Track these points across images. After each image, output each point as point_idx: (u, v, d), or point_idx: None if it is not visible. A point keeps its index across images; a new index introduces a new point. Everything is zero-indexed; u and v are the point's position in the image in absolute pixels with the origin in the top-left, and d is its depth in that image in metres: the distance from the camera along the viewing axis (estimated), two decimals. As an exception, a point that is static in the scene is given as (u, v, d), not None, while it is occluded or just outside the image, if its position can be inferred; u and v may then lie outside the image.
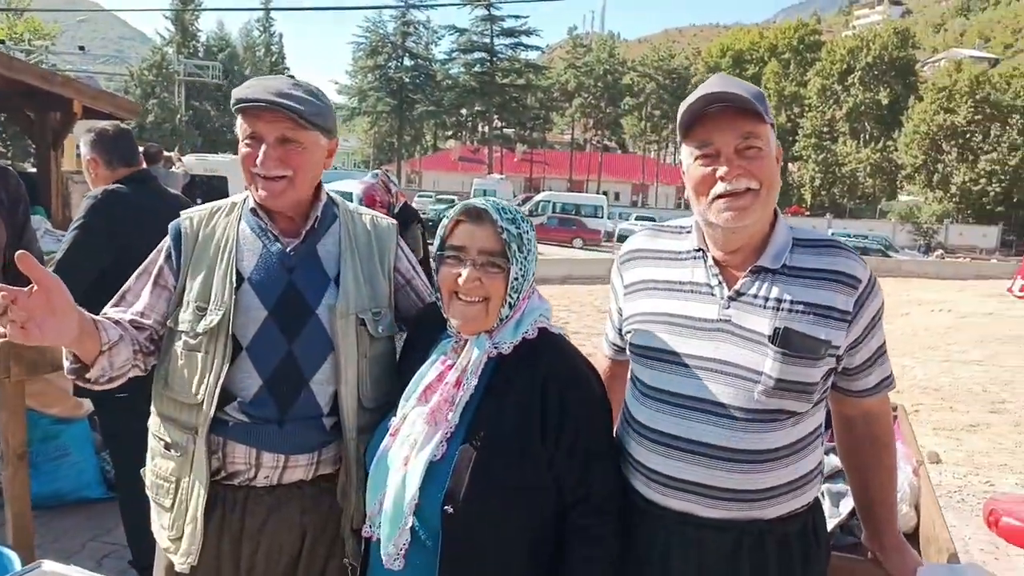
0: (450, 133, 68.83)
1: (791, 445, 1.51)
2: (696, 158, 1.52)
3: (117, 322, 1.62)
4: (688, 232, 1.64)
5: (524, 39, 62.11)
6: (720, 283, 1.55)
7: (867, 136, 59.65)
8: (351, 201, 2.10)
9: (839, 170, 59.38)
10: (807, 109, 62.92)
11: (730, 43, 75.86)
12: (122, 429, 2.87)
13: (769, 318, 1.48)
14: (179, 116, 50.25)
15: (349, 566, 1.69)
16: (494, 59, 61.22)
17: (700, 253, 1.59)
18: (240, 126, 1.65)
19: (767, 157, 1.49)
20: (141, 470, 1.77)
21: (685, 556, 1.53)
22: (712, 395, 1.49)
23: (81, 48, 52.49)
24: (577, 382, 1.56)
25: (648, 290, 1.64)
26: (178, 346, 1.65)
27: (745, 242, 1.54)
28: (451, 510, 1.42)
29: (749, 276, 1.53)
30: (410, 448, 1.49)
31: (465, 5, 58.27)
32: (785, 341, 1.46)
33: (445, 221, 1.56)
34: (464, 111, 64.76)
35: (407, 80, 60.86)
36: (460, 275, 1.50)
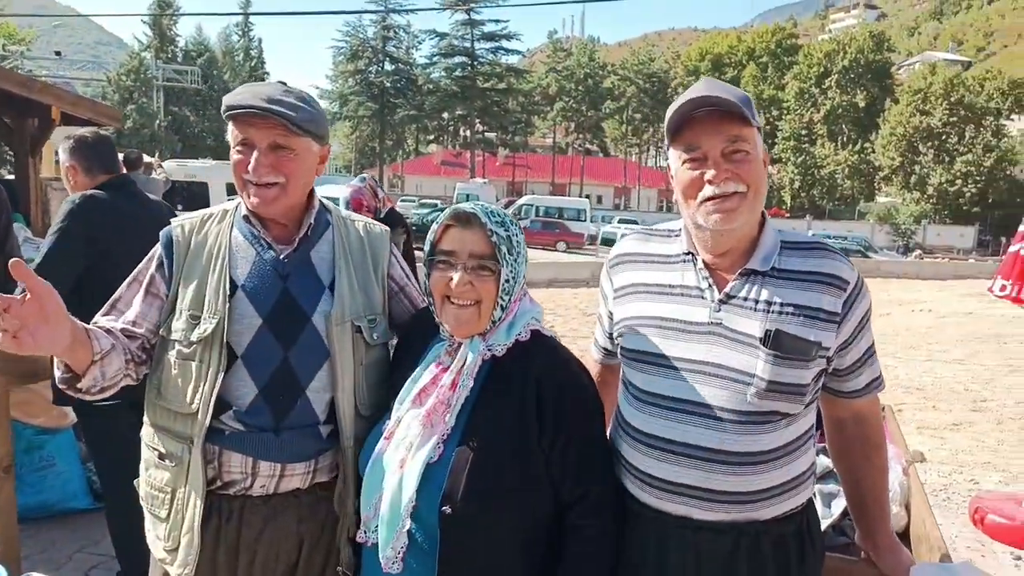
0: (432, 137, 68.59)
1: (784, 446, 1.52)
2: (684, 162, 1.53)
3: (109, 331, 1.60)
4: (677, 236, 1.65)
5: (505, 43, 62.34)
6: (710, 286, 1.55)
7: (845, 138, 60.37)
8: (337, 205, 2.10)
9: (818, 172, 60.05)
10: (785, 112, 63.64)
11: (709, 47, 76.75)
12: (107, 438, 2.84)
13: (760, 320, 1.49)
14: (158, 121, 49.78)
15: (343, 575, 1.68)
16: (475, 63, 61.21)
17: (690, 257, 1.60)
18: (231, 133, 1.64)
19: (754, 160, 1.50)
20: (135, 481, 1.75)
21: (683, 559, 1.53)
22: (705, 398, 1.50)
23: (57, 53, 51.89)
24: (571, 383, 1.57)
25: (639, 294, 1.64)
26: (171, 355, 1.63)
27: (734, 245, 1.55)
28: (449, 511, 1.42)
29: (739, 279, 1.54)
30: (406, 451, 1.50)
31: (445, 9, 58.25)
32: (776, 343, 1.47)
33: (435, 226, 1.57)
34: (446, 115, 64.67)
35: (388, 85, 60.73)
36: (451, 279, 1.51)
